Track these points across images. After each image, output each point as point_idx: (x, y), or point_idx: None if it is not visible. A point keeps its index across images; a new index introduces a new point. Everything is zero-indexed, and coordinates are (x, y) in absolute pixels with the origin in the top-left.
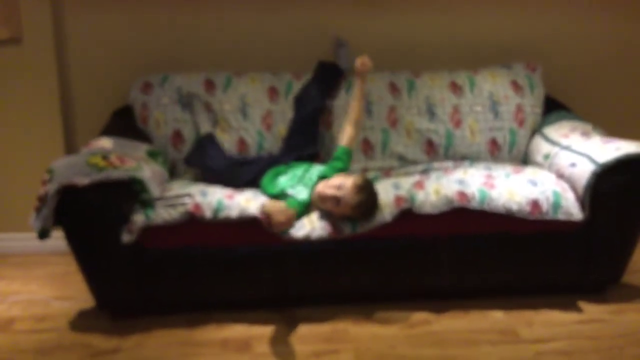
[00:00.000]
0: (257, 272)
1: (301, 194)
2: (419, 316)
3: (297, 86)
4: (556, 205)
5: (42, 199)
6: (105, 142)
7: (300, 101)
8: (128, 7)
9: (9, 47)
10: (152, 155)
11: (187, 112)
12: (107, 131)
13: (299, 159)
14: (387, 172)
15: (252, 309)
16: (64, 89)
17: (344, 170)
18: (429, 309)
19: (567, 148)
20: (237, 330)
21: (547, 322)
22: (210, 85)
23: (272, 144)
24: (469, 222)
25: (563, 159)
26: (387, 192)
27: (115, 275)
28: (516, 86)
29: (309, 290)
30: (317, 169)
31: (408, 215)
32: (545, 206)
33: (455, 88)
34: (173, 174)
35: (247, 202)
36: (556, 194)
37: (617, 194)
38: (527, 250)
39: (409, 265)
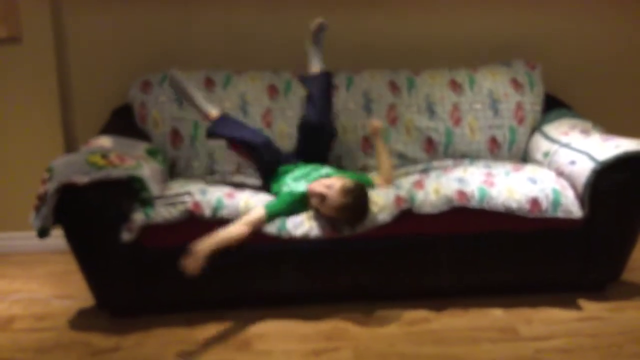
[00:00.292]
0: (257, 271)
1: (300, 187)
2: (419, 314)
3: (296, 85)
4: (556, 203)
5: (42, 198)
6: (105, 141)
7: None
8: (127, 7)
9: (9, 47)
10: (152, 153)
11: (184, 107)
12: (107, 130)
13: (307, 160)
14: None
15: (251, 307)
16: (64, 88)
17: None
18: (429, 307)
19: (566, 146)
20: (237, 329)
21: (546, 319)
22: (210, 83)
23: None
24: (469, 220)
25: (563, 156)
26: (387, 192)
27: (114, 274)
28: (516, 84)
29: (309, 289)
30: (327, 169)
31: (408, 215)
32: (544, 204)
33: (455, 86)
34: (172, 172)
35: (246, 202)
36: (556, 192)
37: (616, 192)
38: (526, 248)
39: (408, 265)
